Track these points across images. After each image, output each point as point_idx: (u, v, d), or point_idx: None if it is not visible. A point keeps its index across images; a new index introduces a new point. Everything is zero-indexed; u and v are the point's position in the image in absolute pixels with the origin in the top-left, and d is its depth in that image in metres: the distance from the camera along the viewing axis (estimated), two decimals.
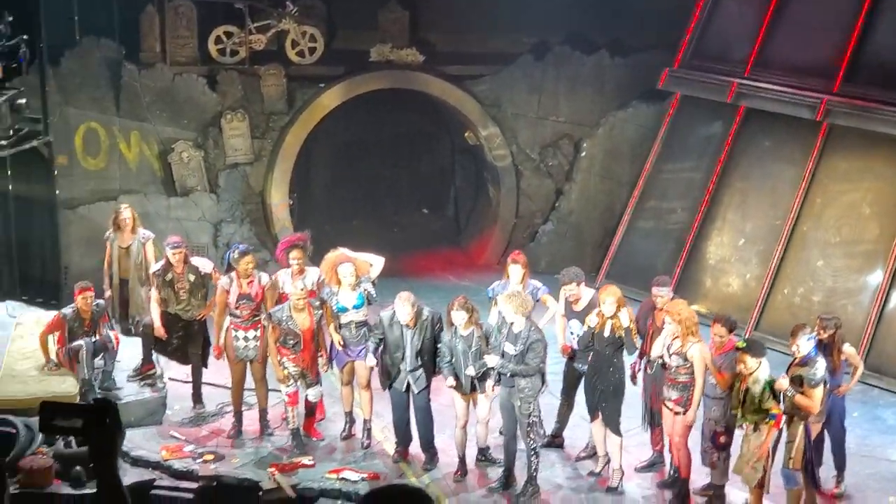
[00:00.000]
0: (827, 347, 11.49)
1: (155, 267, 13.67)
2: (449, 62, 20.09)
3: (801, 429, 10.96)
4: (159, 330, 13.45)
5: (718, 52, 18.85)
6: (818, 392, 10.87)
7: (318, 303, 12.71)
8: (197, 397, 13.80)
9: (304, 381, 12.77)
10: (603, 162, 20.16)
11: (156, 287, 13.46)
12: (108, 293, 14.47)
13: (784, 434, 11.02)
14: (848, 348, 11.74)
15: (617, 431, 12.10)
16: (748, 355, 10.83)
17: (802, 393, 10.79)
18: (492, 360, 11.71)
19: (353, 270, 12.70)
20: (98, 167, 18.25)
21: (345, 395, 13.31)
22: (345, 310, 12.80)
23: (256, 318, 12.98)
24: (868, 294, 16.03)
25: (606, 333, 11.89)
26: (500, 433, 12.56)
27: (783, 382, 10.83)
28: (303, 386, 12.83)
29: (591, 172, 20.18)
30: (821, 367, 10.90)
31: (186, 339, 13.66)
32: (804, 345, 10.98)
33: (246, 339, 12.99)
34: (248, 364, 13.10)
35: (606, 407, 12.05)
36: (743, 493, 11.54)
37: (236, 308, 12.91)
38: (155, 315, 13.47)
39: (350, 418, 13.36)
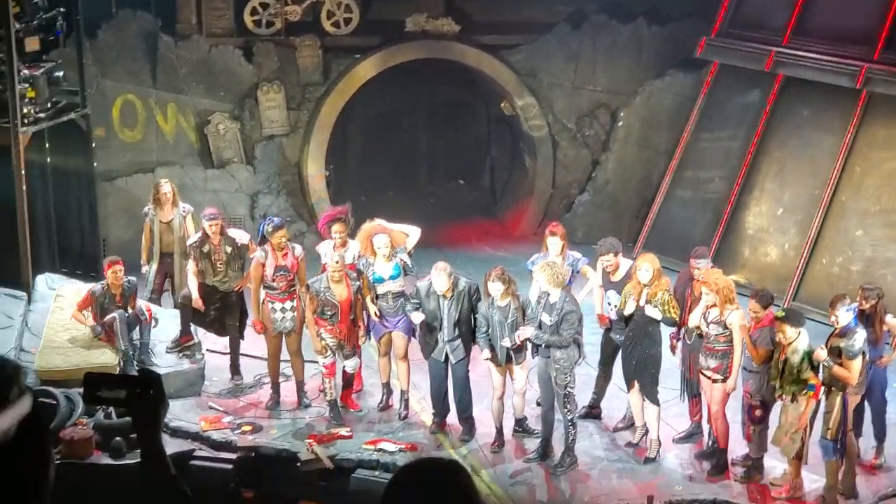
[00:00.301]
0: (869, 318, 11.36)
1: (192, 239, 13.72)
2: (485, 32, 19.98)
3: (838, 400, 10.91)
4: (197, 301, 13.52)
5: (756, 20, 18.67)
6: (856, 363, 10.79)
7: (355, 274, 12.73)
8: (235, 369, 13.88)
9: (342, 353, 12.79)
10: (640, 131, 20.04)
11: (193, 259, 13.52)
12: (144, 268, 14.54)
13: (822, 405, 10.98)
14: (891, 319, 11.58)
15: (654, 401, 12.08)
16: (787, 325, 10.77)
17: (840, 364, 10.74)
18: (526, 332, 11.70)
19: (387, 241, 12.70)
20: (135, 139, 18.34)
21: (382, 367, 13.35)
22: (381, 280, 12.81)
23: (293, 290, 13.02)
24: None
25: (642, 302, 11.83)
26: (538, 404, 12.58)
27: (821, 353, 10.77)
28: (340, 357, 12.85)
29: (627, 142, 20.07)
30: (860, 338, 10.82)
31: (224, 311, 13.73)
32: (843, 315, 10.90)
33: (283, 310, 13.02)
34: (285, 336, 13.15)
35: (643, 377, 12.03)
36: (782, 464, 11.52)
37: (273, 280, 12.94)
38: (193, 287, 13.54)
39: (387, 389, 13.40)
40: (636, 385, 12.13)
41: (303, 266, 13.11)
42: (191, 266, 13.58)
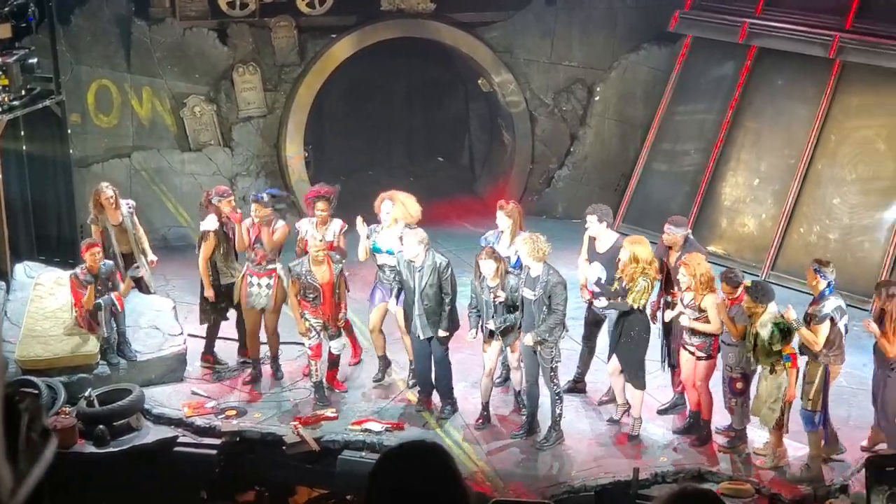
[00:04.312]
0: (882, 318, 11.04)
1: (210, 225, 13.33)
2: (460, 9, 19.93)
3: (820, 370, 10.99)
4: (209, 291, 13.44)
5: None
6: (823, 328, 10.90)
7: (338, 256, 12.75)
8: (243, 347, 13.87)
9: (327, 333, 12.79)
10: (617, 105, 20.08)
11: (212, 247, 13.31)
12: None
13: (802, 376, 11.07)
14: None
15: (640, 386, 12.11)
16: (749, 297, 10.87)
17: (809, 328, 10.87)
18: (528, 340, 11.65)
19: (389, 209, 12.74)
20: (111, 124, 18.27)
21: (375, 340, 13.45)
22: (379, 251, 12.90)
23: (271, 268, 13.04)
24: (885, 231, 15.99)
25: (625, 283, 11.82)
26: (504, 381, 12.87)
27: (791, 313, 10.88)
28: (325, 338, 12.85)
29: (605, 116, 20.10)
30: (829, 304, 10.95)
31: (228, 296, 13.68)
32: (812, 278, 11.06)
33: (259, 286, 13.07)
34: (263, 314, 13.16)
35: (628, 360, 12.04)
36: (764, 434, 11.61)
37: (252, 250, 13.03)
38: (206, 279, 13.46)
39: (385, 361, 13.48)
40: (617, 363, 12.13)
41: (277, 237, 13.06)
42: (204, 254, 13.34)
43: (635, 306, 11.65)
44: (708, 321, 11.39)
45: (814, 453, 11.22)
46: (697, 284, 11.32)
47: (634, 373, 12.05)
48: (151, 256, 14.23)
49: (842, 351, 11.22)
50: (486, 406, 12.47)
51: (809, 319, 10.98)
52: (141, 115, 18.39)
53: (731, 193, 18.05)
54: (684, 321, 11.58)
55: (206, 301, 13.64)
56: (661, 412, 12.66)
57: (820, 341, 10.92)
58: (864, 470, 11.10)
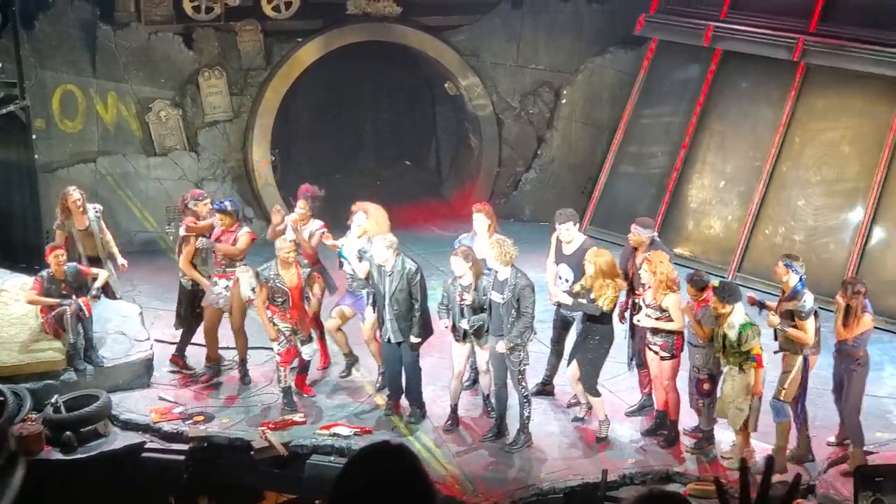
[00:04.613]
0: (848, 313, 11.16)
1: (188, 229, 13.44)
2: (426, 13, 19.97)
3: (798, 361, 11.07)
4: (205, 282, 13.43)
5: None
6: (810, 323, 11.00)
7: (306, 260, 12.76)
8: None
9: (298, 338, 12.74)
10: (583, 108, 20.16)
11: (192, 250, 13.35)
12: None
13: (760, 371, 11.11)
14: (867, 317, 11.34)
15: (593, 394, 12.14)
16: (716, 297, 10.92)
17: (795, 326, 10.93)
18: (500, 347, 11.65)
19: (362, 221, 12.80)
20: (76, 129, 18.16)
21: (337, 338, 13.48)
22: (345, 258, 12.95)
23: (230, 270, 13.08)
24: (849, 232, 16.12)
25: (592, 295, 11.82)
26: (472, 384, 12.86)
27: (774, 319, 10.97)
28: (296, 343, 12.76)
29: (571, 119, 20.17)
30: (809, 298, 11.04)
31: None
32: (782, 270, 11.16)
33: (218, 285, 13.16)
34: (227, 315, 13.19)
35: (584, 367, 12.05)
36: (732, 434, 11.65)
37: (214, 252, 13.18)
38: (197, 276, 13.49)
39: (351, 358, 13.55)
40: (578, 373, 12.18)
41: (240, 244, 13.09)
42: (185, 259, 13.38)
43: (605, 309, 11.69)
44: (671, 320, 11.44)
45: (780, 444, 11.26)
46: (657, 283, 11.37)
47: (588, 381, 12.07)
48: (121, 260, 14.17)
49: (820, 342, 11.34)
50: (454, 409, 12.46)
51: (792, 316, 11.04)
52: (106, 119, 18.30)
53: (698, 195, 18.14)
54: (646, 322, 11.62)
55: (181, 304, 13.68)
56: (629, 414, 12.70)
57: (811, 336, 11.05)
58: (829, 470, 11.27)
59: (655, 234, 12.70)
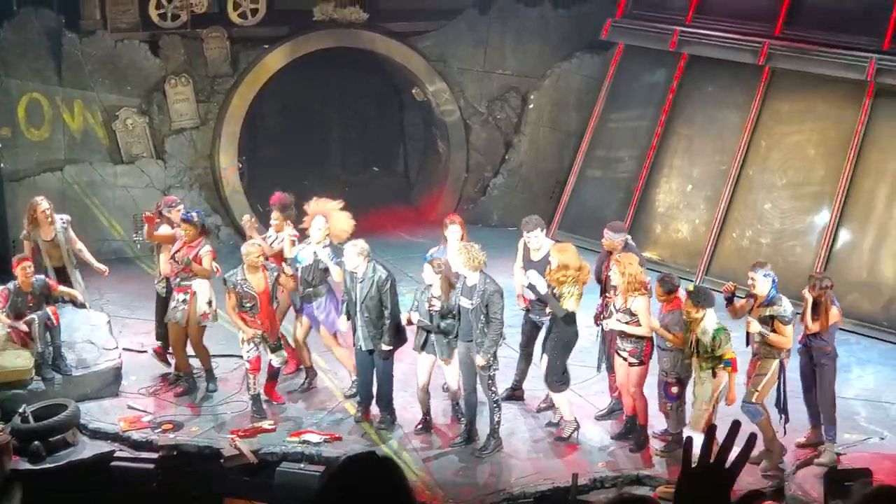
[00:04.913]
0: (816, 307, 11.39)
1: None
2: (393, 19, 19.99)
3: (775, 364, 11.13)
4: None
5: (660, 0, 18.92)
6: (790, 329, 11.09)
7: (273, 265, 12.72)
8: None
9: (267, 345, 12.71)
10: (550, 113, 20.23)
11: (169, 257, 13.29)
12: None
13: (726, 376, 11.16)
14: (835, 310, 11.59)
15: (556, 389, 12.17)
16: (690, 302, 10.98)
17: (774, 331, 11.00)
18: (479, 361, 11.62)
19: (321, 226, 12.75)
20: (42, 138, 18.04)
21: (298, 352, 13.50)
22: (300, 262, 12.93)
23: (186, 284, 12.99)
24: (816, 235, 16.23)
25: (554, 289, 11.89)
26: (444, 389, 12.77)
27: (754, 326, 11.03)
28: (265, 351, 12.75)
29: (539, 124, 20.23)
30: (787, 303, 11.15)
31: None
32: (760, 280, 11.17)
33: (175, 300, 13.08)
34: (188, 329, 13.12)
35: (549, 364, 12.10)
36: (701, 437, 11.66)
37: (173, 264, 13.05)
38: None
39: (312, 371, 13.48)
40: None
41: (205, 264, 12.99)
42: (163, 266, 13.41)
43: (569, 309, 11.74)
44: (640, 324, 11.49)
45: (769, 436, 11.30)
46: (626, 284, 11.41)
47: (552, 377, 12.10)
48: (100, 266, 14.11)
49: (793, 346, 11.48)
50: (425, 414, 12.47)
51: (771, 322, 11.10)
52: (73, 128, 18.20)
53: (665, 199, 18.23)
54: (614, 325, 11.65)
55: (158, 312, 13.68)
56: (598, 418, 12.73)
57: (790, 341, 11.16)
58: (798, 472, 11.33)
59: (628, 237, 12.79)
